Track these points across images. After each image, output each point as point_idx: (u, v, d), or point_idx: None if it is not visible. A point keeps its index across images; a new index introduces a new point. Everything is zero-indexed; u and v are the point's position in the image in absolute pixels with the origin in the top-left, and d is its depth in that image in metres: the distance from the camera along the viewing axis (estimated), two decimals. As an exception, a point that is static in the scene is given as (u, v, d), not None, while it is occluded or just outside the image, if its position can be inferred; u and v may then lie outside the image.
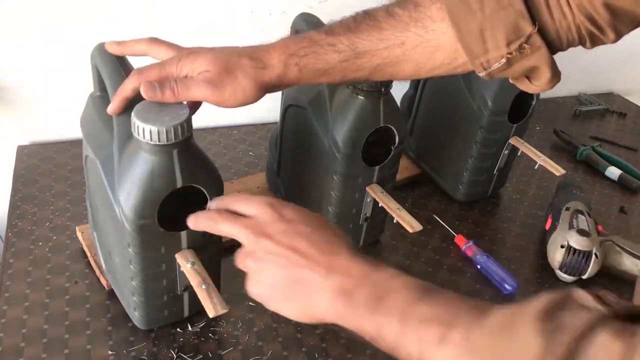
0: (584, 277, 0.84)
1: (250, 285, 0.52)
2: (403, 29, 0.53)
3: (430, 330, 0.42)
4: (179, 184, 0.58)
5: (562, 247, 0.84)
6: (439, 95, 0.98)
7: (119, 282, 0.70)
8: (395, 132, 0.76)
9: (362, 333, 0.47)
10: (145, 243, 0.60)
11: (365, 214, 0.82)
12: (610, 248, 0.87)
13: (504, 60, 0.49)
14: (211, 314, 0.57)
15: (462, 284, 0.84)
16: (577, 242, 0.83)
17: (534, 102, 0.91)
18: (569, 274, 0.85)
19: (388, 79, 0.65)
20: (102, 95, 0.68)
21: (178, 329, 0.72)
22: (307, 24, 0.80)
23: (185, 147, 0.58)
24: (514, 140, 0.93)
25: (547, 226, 0.92)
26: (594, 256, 0.83)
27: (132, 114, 0.56)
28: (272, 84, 0.56)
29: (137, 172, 0.57)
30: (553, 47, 0.50)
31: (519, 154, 0.96)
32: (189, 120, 0.57)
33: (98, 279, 0.77)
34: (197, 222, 0.55)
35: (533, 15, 0.48)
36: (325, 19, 0.82)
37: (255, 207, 0.52)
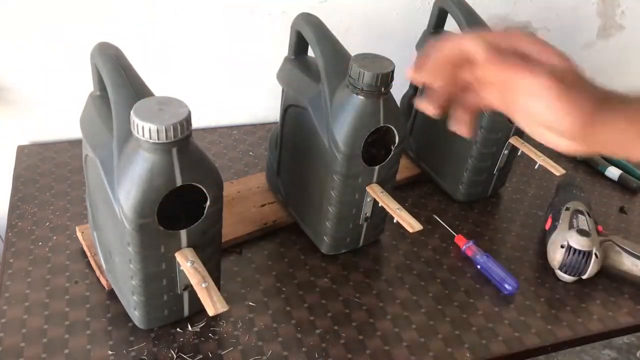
0: (584, 277, 0.84)
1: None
2: None
3: None
4: (179, 183, 0.58)
5: (562, 247, 0.84)
6: (439, 95, 0.98)
7: (119, 281, 0.70)
8: (395, 132, 0.76)
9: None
10: (145, 242, 0.60)
11: (365, 214, 0.82)
12: (610, 248, 0.87)
13: None
14: (211, 312, 0.57)
15: (462, 284, 0.84)
16: (577, 242, 0.83)
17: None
18: (569, 274, 0.85)
19: None
20: (102, 95, 0.68)
21: (178, 329, 0.72)
22: (307, 24, 0.80)
23: (185, 145, 0.58)
24: (514, 140, 0.93)
25: (547, 226, 0.92)
26: (594, 256, 0.83)
27: (132, 112, 0.56)
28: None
29: (137, 170, 0.57)
30: None
31: (519, 153, 0.96)
32: (188, 119, 0.57)
33: (98, 279, 0.77)
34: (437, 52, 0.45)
35: None
36: (325, 19, 0.83)
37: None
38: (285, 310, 0.76)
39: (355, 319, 0.76)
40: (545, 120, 0.43)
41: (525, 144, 0.93)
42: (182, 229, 0.62)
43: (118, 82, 0.62)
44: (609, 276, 0.88)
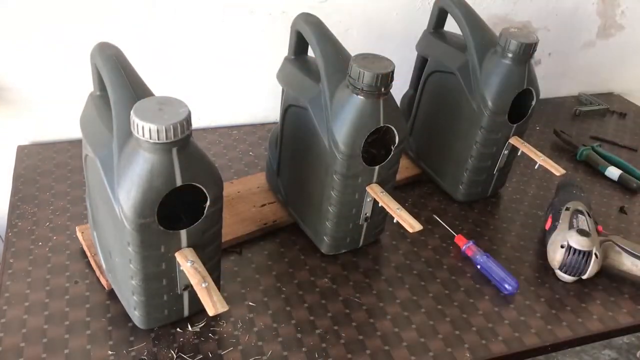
0: (584, 277, 0.84)
1: None
2: None
3: None
4: (179, 183, 0.58)
5: (562, 247, 0.84)
6: (439, 95, 0.98)
7: (119, 281, 0.70)
8: (395, 132, 0.76)
9: None
10: (145, 242, 0.60)
11: (365, 214, 0.83)
12: (610, 248, 0.87)
13: None
14: (211, 312, 0.57)
15: (462, 284, 0.84)
16: (577, 242, 0.83)
17: (533, 102, 0.91)
18: (569, 274, 0.85)
19: None
20: (102, 95, 0.68)
21: (178, 329, 0.72)
22: (307, 24, 0.81)
23: (185, 145, 0.58)
24: (514, 140, 0.93)
25: (547, 226, 0.92)
26: (594, 256, 0.83)
27: (132, 112, 0.56)
28: None
29: (137, 170, 0.57)
30: None
31: (519, 154, 0.96)
32: (188, 119, 0.57)
33: (98, 279, 0.77)
34: None
35: None
36: (325, 19, 0.83)
37: None
38: (285, 310, 0.76)
39: (355, 319, 0.76)
40: None
41: (525, 144, 0.93)
42: (182, 229, 0.62)
43: (118, 82, 0.62)
44: (609, 276, 0.88)
